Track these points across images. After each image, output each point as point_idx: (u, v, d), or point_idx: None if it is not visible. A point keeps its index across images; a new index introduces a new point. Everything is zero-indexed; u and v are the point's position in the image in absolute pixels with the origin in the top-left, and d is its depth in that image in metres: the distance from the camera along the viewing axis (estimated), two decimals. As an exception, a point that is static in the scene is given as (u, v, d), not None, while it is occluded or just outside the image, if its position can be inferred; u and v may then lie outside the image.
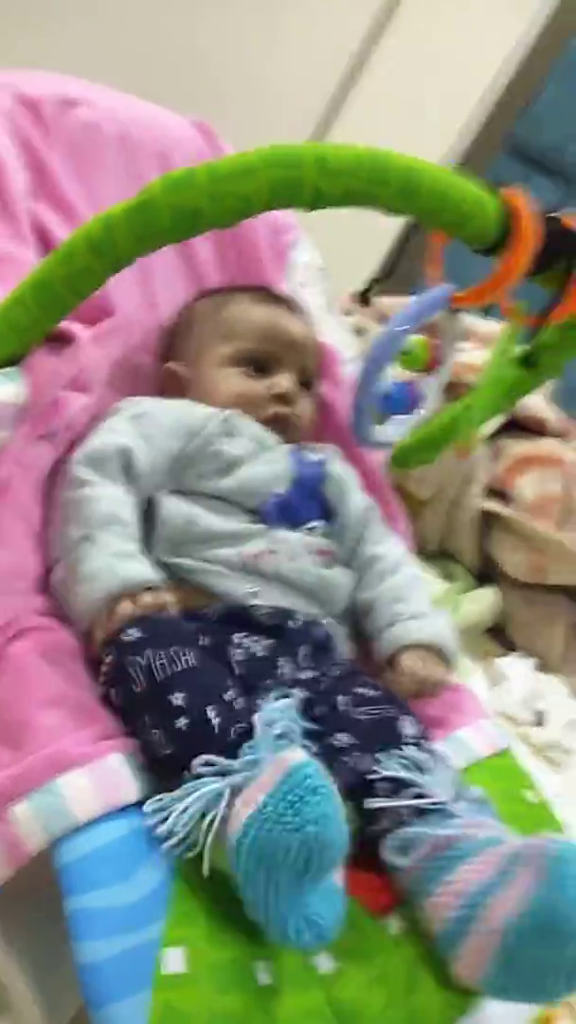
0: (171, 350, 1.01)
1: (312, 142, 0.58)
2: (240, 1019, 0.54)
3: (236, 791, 0.57)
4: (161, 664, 0.63)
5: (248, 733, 0.61)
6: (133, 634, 0.66)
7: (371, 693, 0.78)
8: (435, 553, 1.78)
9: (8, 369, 0.66)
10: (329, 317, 1.17)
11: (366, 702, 0.76)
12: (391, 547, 0.97)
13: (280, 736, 0.62)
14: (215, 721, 0.61)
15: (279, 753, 0.57)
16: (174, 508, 0.82)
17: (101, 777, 0.60)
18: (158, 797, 0.60)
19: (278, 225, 1.18)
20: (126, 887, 0.56)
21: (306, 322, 1.02)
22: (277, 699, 0.66)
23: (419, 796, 0.66)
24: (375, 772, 0.68)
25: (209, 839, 0.57)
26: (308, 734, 0.69)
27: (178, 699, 0.62)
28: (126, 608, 0.70)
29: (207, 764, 0.60)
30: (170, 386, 0.98)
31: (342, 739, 0.71)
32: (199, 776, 0.59)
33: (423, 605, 0.92)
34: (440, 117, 2.21)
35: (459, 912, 0.60)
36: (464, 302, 0.69)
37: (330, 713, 0.75)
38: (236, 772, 0.58)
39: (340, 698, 0.76)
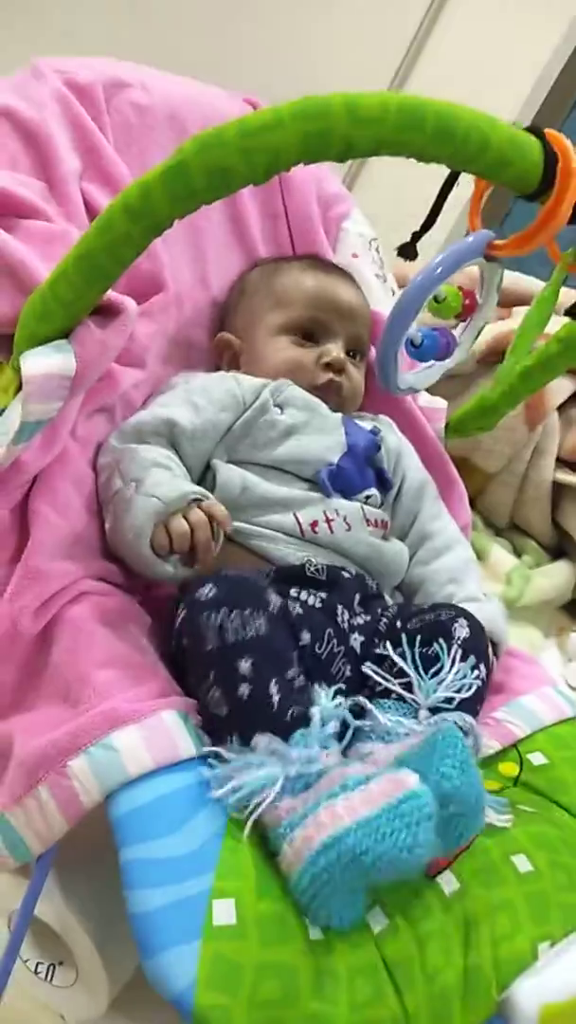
0: (224, 322, 1.02)
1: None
2: (290, 972, 0.54)
3: (289, 780, 0.59)
4: (234, 627, 0.64)
5: (302, 718, 0.62)
6: (207, 591, 0.66)
7: (427, 605, 0.79)
8: (505, 528, 1.74)
9: (58, 341, 0.68)
10: (382, 287, 1.15)
11: (422, 613, 0.77)
12: (446, 524, 0.96)
13: (332, 735, 0.63)
14: (275, 698, 0.62)
15: (393, 772, 0.58)
16: (232, 472, 0.83)
17: (154, 733, 0.61)
18: (214, 759, 0.62)
19: (330, 197, 1.17)
20: (177, 839, 0.57)
21: (358, 290, 1.01)
22: (333, 696, 0.66)
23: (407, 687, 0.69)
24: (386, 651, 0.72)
25: (252, 818, 0.59)
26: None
27: (245, 666, 0.63)
28: (179, 527, 0.72)
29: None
30: (223, 357, 0.98)
31: (391, 648, 0.73)
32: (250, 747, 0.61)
33: (476, 589, 0.91)
34: (496, 103, 2.15)
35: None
36: (505, 250, 0.67)
37: (385, 638, 0.76)
38: (291, 762, 0.60)
39: (396, 623, 0.77)
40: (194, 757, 0.62)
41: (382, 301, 1.12)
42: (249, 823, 0.58)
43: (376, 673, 0.71)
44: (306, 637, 0.73)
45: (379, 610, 0.79)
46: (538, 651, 1.52)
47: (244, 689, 0.62)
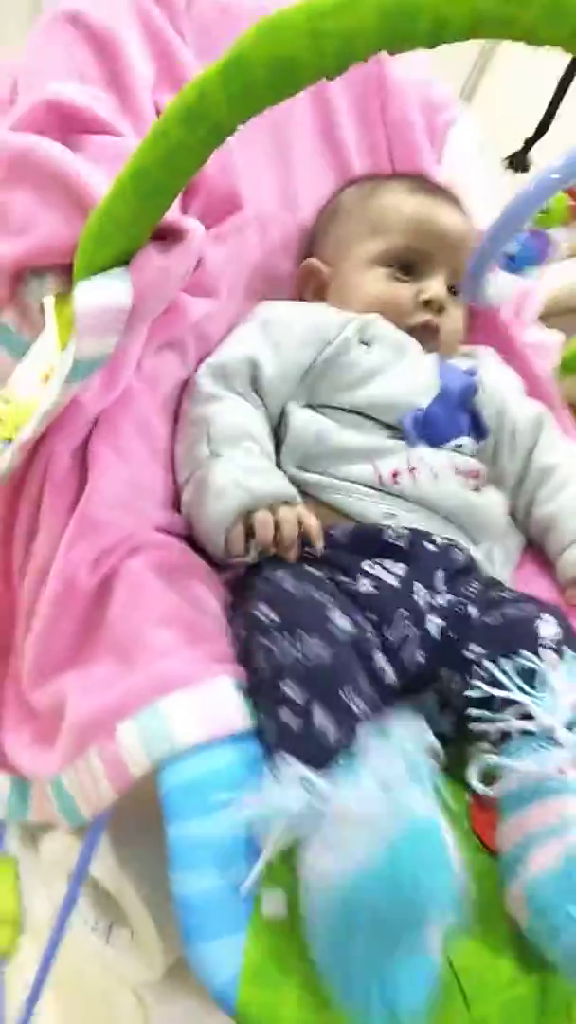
0: (313, 247, 0.93)
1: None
2: (344, 975, 0.49)
3: (315, 811, 0.49)
4: (286, 651, 0.56)
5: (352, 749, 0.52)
6: (265, 614, 0.59)
7: (508, 595, 0.70)
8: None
9: (114, 270, 0.62)
10: (488, 201, 1.03)
11: (501, 603, 0.68)
12: (568, 454, 0.86)
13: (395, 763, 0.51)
14: (321, 726, 0.53)
15: (402, 798, 0.48)
16: (307, 419, 0.76)
17: (208, 701, 0.57)
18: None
19: (435, 103, 1.05)
20: (225, 821, 0.53)
21: (465, 216, 0.90)
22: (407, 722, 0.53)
23: (525, 716, 0.57)
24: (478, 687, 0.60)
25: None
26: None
27: (294, 693, 0.55)
28: (265, 520, 0.66)
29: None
30: (309, 286, 0.90)
31: (474, 650, 0.64)
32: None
33: None
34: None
35: (511, 852, 0.53)
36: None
37: (465, 629, 0.67)
38: (321, 792, 0.49)
39: (473, 610, 0.68)
40: (251, 729, 0.57)
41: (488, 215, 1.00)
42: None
43: (485, 719, 0.59)
44: (376, 620, 0.65)
45: (464, 588, 0.70)
46: None
47: (288, 718, 0.54)
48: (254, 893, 0.50)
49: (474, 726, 0.59)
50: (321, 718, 0.54)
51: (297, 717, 0.54)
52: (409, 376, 0.79)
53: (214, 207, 0.82)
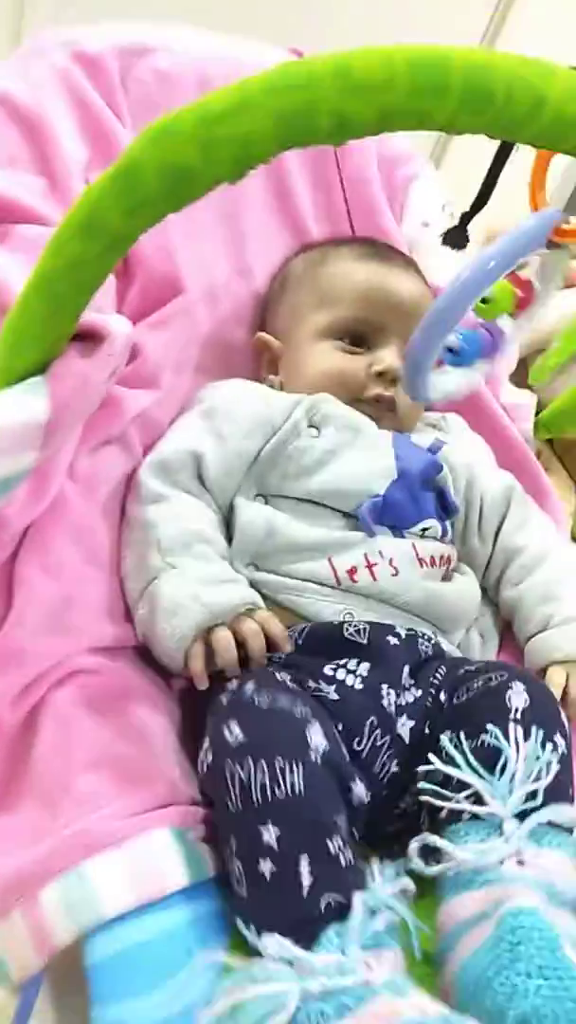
0: (265, 320, 0.89)
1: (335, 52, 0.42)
2: None
3: (308, 998, 0.43)
4: (261, 783, 0.50)
5: (340, 911, 0.47)
6: (234, 733, 0.52)
7: (475, 666, 0.64)
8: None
9: (30, 381, 0.57)
10: (458, 260, 0.98)
11: (468, 679, 0.62)
12: (535, 532, 0.81)
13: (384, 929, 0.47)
14: (306, 882, 0.47)
15: (385, 999, 0.42)
16: (253, 514, 0.71)
17: (139, 861, 0.51)
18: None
19: (394, 157, 1.01)
20: (157, 999, 0.47)
21: (420, 281, 0.86)
22: (389, 871, 0.50)
23: (479, 799, 0.53)
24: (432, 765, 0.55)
25: None
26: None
27: (270, 835, 0.48)
28: (226, 641, 0.61)
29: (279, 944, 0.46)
30: (263, 360, 0.86)
31: (444, 737, 0.58)
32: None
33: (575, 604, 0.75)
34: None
35: (442, 942, 0.50)
36: (569, 238, 0.51)
37: (435, 719, 0.62)
38: (313, 974, 0.44)
39: (443, 696, 0.63)
40: (186, 888, 0.51)
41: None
42: None
43: (436, 794, 0.55)
44: (344, 731, 0.60)
45: (431, 676, 0.65)
46: None
47: (266, 867, 0.48)
48: None
49: (425, 799, 0.55)
50: (307, 872, 0.48)
51: (278, 869, 0.48)
52: (364, 459, 0.73)
53: (154, 291, 0.78)
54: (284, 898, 0.47)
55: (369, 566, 0.70)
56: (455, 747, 0.55)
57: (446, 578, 0.75)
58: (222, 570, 0.67)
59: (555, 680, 0.71)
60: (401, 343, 0.80)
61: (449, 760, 0.55)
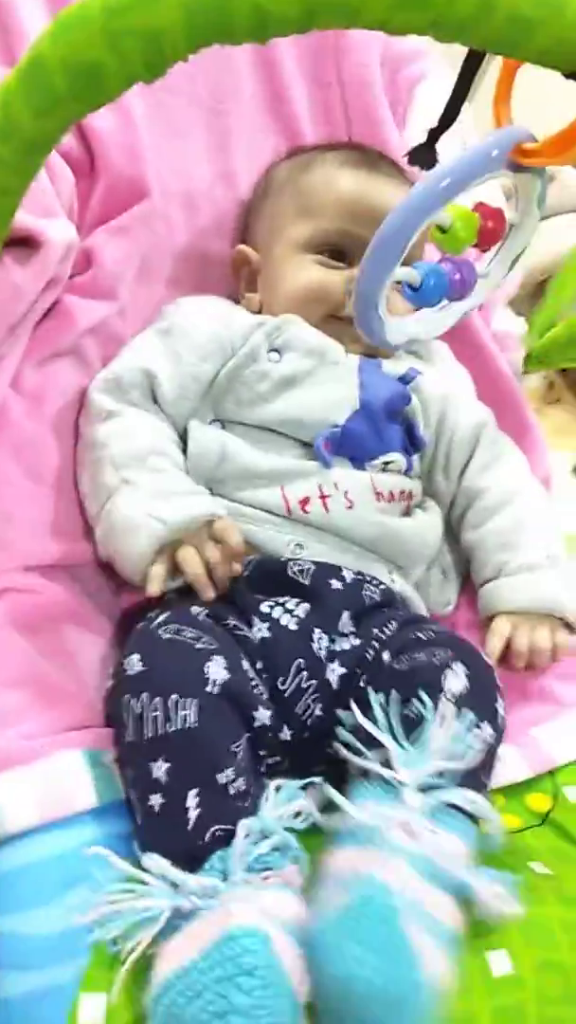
0: (246, 230, 0.84)
1: None
2: None
3: (180, 916, 0.46)
4: (154, 716, 0.51)
5: (228, 838, 0.49)
6: (135, 664, 0.54)
7: (425, 635, 0.63)
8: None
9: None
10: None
11: (415, 647, 0.61)
12: (502, 474, 0.78)
13: (272, 852, 0.49)
14: (191, 813, 0.49)
15: (227, 901, 0.45)
16: (207, 439, 0.69)
17: (47, 780, 0.52)
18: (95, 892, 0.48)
19: (400, 56, 0.93)
20: (51, 913, 0.49)
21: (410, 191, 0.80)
22: (288, 791, 0.52)
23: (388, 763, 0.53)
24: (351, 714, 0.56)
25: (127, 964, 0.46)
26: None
27: (160, 770, 0.50)
28: (191, 559, 0.61)
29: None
30: (242, 275, 0.82)
31: (371, 698, 0.58)
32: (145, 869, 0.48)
33: (535, 553, 0.73)
34: None
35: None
36: (538, 156, 0.46)
37: (373, 675, 0.62)
38: (185, 892, 0.46)
39: (386, 655, 0.62)
40: (94, 808, 0.52)
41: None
42: (124, 968, 0.46)
43: (347, 747, 0.55)
44: (269, 669, 0.60)
45: (377, 629, 0.64)
46: None
47: (156, 800, 0.50)
48: (71, 996, 0.47)
49: (336, 749, 0.56)
50: (194, 805, 0.49)
51: (167, 802, 0.50)
52: (325, 388, 0.70)
53: (118, 195, 0.74)
54: (172, 830, 0.49)
55: (322, 497, 0.68)
56: (380, 707, 0.54)
57: (406, 514, 0.73)
58: (178, 481, 0.65)
59: (499, 630, 0.70)
60: None
61: (371, 717, 0.54)
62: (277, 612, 0.63)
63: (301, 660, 0.61)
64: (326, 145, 0.84)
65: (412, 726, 0.54)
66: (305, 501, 0.67)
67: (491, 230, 0.51)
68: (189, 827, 0.48)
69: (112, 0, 0.39)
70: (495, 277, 0.56)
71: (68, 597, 0.64)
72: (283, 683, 0.61)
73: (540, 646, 0.70)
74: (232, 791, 0.50)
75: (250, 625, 0.62)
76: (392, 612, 0.68)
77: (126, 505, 0.63)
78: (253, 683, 0.59)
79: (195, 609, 0.61)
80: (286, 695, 0.60)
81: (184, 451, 0.70)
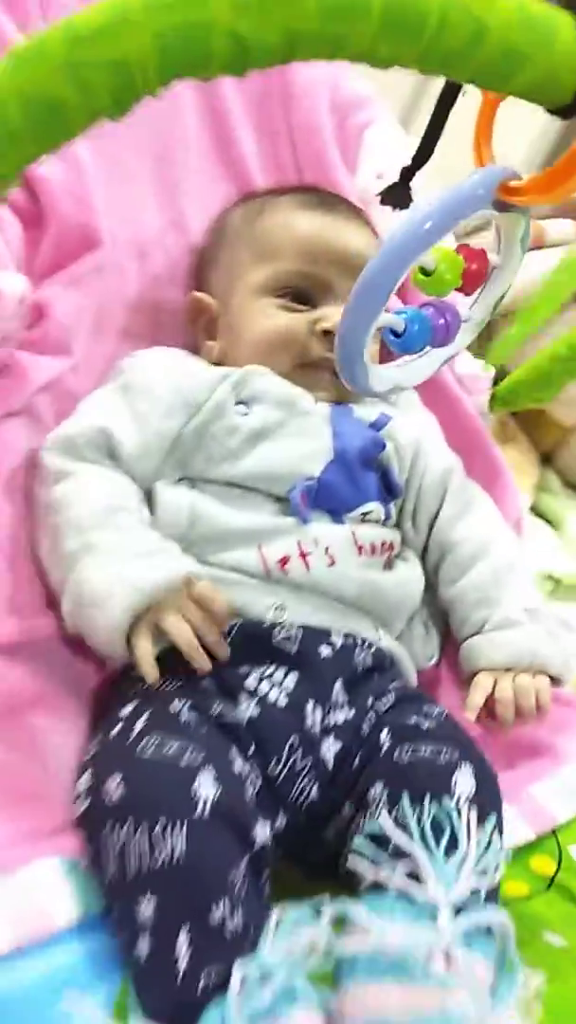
0: (201, 278, 0.81)
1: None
2: None
3: None
4: (139, 851, 0.45)
5: (225, 982, 0.41)
6: (113, 789, 0.48)
7: (427, 724, 0.59)
8: (589, 488, 1.50)
9: None
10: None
11: (417, 737, 0.57)
12: (474, 525, 0.75)
13: (279, 997, 0.41)
14: (183, 960, 0.42)
15: None
16: (174, 500, 0.64)
17: (22, 896, 0.46)
18: None
19: (348, 102, 0.92)
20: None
21: (368, 232, 0.78)
22: (294, 918, 0.44)
23: (412, 875, 0.47)
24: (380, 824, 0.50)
25: None
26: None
27: (147, 910, 0.44)
28: (172, 624, 0.56)
29: None
30: (199, 324, 0.78)
31: (376, 790, 0.54)
32: None
33: (514, 607, 0.71)
34: None
35: None
36: (525, 194, 0.44)
37: (370, 756, 0.58)
38: None
39: (384, 735, 0.58)
40: (75, 925, 0.46)
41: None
42: None
43: (368, 857, 0.49)
44: (260, 753, 0.56)
45: (371, 697, 0.61)
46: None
47: (143, 947, 0.43)
48: None
49: (351, 862, 0.50)
50: (185, 950, 0.43)
51: (154, 950, 0.43)
52: (298, 439, 0.67)
53: (69, 244, 0.70)
54: (162, 982, 0.42)
55: (302, 555, 0.64)
56: (409, 812, 0.50)
57: (388, 566, 0.70)
58: (147, 539, 0.60)
59: (481, 684, 0.67)
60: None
61: (397, 822, 0.49)
62: (264, 687, 0.58)
63: (294, 737, 0.57)
64: (279, 189, 0.82)
65: (433, 830, 0.49)
66: (284, 560, 0.63)
67: (475, 272, 0.49)
68: (180, 978, 0.42)
69: (76, 29, 0.35)
70: (477, 321, 0.54)
71: (33, 680, 0.58)
72: (276, 765, 0.56)
73: (525, 702, 0.67)
74: (228, 928, 0.44)
75: (236, 702, 0.58)
76: (386, 679, 0.64)
77: (93, 572, 0.57)
78: (249, 786, 0.53)
79: (175, 706, 0.55)
80: (280, 779, 0.56)
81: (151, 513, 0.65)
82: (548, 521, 1.37)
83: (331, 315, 0.71)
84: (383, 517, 0.70)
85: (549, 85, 0.40)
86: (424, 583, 0.72)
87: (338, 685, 0.60)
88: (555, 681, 0.70)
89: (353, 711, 0.59)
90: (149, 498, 0.65)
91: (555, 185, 0.42)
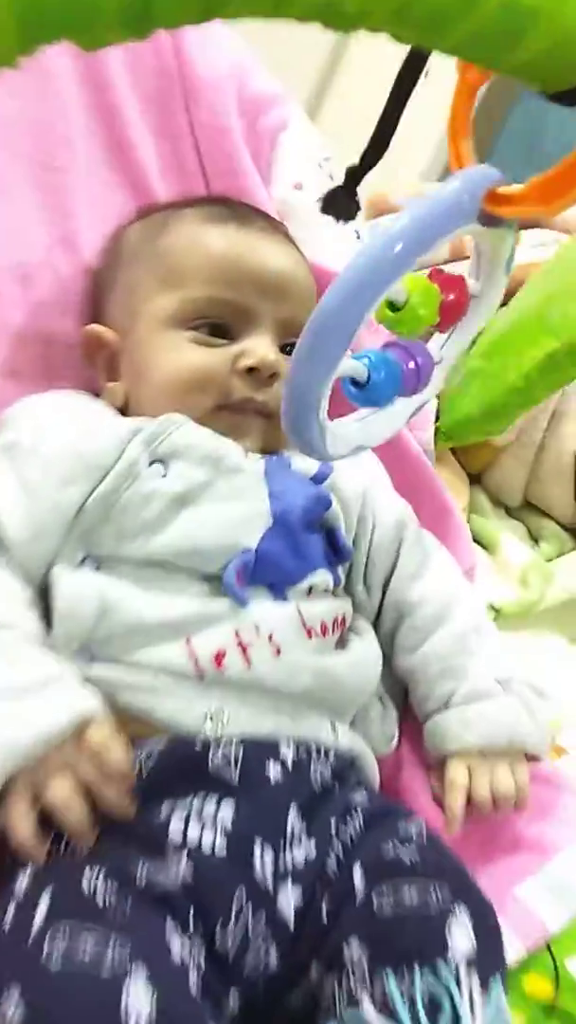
0: (97, 307, 0.68)
1: None
2: None
3: None
4: None
5: None
6: (11, 1014, 0.36)
7: (407, 854, 0.48)
8: (518, 507, 1.45)
9: None
10: (341, 232, 0.81)
11: (397, 874, 0.46)
12: (432, 583, 0.66)
13: None
14: None
15: None
16: (79, 588, 0.51)
17: None
18: None
19: (258, 100, 0.81)
20: None
21: (292, 249, 0.67)
22: None
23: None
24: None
25: None
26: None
27: None
28: (56, 798, 0.43)
29: None
30: (98, 362, 0.66)
31: (352, 949, 0.44)
32: None
33: (482, 675, 0.62)
34: None
35: None
36: (519, 203, 0.34)
37: (342, 902, 0.46)
38: None
39: (357, 875, 0.47)
40: None
41: (343, 255, 0.78)
42: None
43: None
44: (201, 920, 0.43)
45: (334, 822, 0.49)
46: (564, 661, 1.24)
47: None
48: None
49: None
50: None
51: None
52: (229, 504, 0.55)
53: None
54: None
55: (241, 647, 0.52)
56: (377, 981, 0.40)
57: (341, 644, 0.59)
58: (30, 667, 0.47)
59: (457, 781, 0.58)
60: (274, 330, 0.61)
61: (384, 1006, 0.39)
62: (194, 833, 0.46)
63: (240, 891, 0.45)
64: (184, 201, 0.70)
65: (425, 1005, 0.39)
66: (220, 656, 0.51)
67: (453, 304, 0.38)
68: None
69: None
70: (450, 361, 0.43)
71: None
72: (222, 933, 0.44)
73: (504, 791, 0.59)
74: None
75: (164, 858, 0.45)
76: (348, 791, 0.53)
77: None
78: (192, 972, 0.42)
79: (87, 878, 0.42)
80: (229, 953, 0.44)
81: (46, 609, 0.52)
82: (482, 545, 1.31)
83: (254, 349, 0.60)
84: (331, 584, 0.59)
85: (559, 58, 0.30)
86: (381, 658, 0.62)
87: (292, 813, 0.48)
88: (532, 758, 0.61)
89: (314, 844, 0.48)
90: (45, 589, 0.52)
91: (563, 191, 0.32)
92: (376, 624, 0.65)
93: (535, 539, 1.42)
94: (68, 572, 0.52)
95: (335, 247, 0.78)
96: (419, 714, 0.64)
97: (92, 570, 0.53)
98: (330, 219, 0.78)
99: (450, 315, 0.39)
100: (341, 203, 0.41)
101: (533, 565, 1.32)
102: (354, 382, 0.38)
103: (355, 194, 0.41)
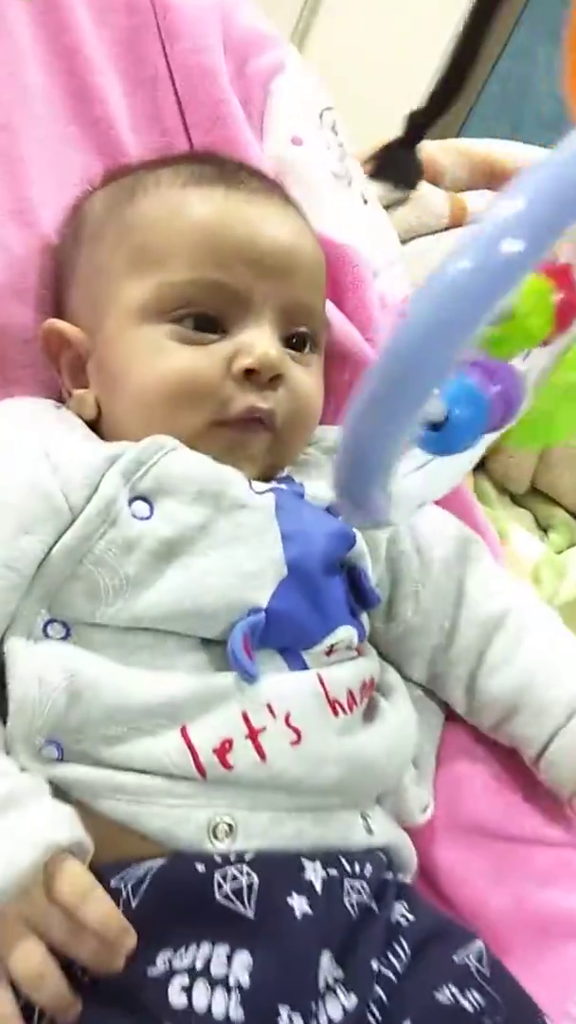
0: (59, 296, 0.56)
1: None
2: None
3: None
4: None
5: None
6: None
7: (470, 1003, 0.39)
8: (524, 494, 1.37)
9: None
10: (347, 194, 0.69)
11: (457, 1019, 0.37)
12: (511, 589, 0.56)
13: None
14: None
15: None
16: (43, 666, 0.40)
17: None
18: None
19: (248, 41, 0.68)
20: None
21: (295, 217, 0.55)
22: None
23: None
24: None
25: None
26: None
27: None
28: (24, 968, 0.34)
29: None
30: (62, 363, 0.53)
31: None
32: None
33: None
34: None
35: None
36: None
37: None
38: None
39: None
40: None
41: (350, 225, 0.66)
42: None
43: None
44: None
45: (373, 966, 0.39)
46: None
47: None
48: None
49: None
50: None
51: None
52: (234, 551, 0.44)
53: None
54: None
55: (252, 735, 0.41)
56: None
57: (369, 716, 0.48)
58: None
59: None
60: (277, 316, 0.49)
61: None
62: (202, 997, 0.35)
63: None
64: (160, 160, 0.57)
65: None
66: (225, 748, 0.40)
67: (564, 305, 0.27)
68: None
69: None
70: (535, 375, 0.32)
71: None
72: None
73: None
74: None
75: None
76: (389, 914, 0.43)
77: None
78: None
79: None
80: None
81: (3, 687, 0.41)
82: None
83: (252, 344, 0.48)
84: (356, 640, 0.48)
85: None
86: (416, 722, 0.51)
87: (325, 962, 0.38)
88: None
89: (353, 995, 0.38)
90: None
91: None
92: (445, 655, 0.55)
93: (543, 528, 1.35)
94: (27, 645, 0.41)
95: (341, 215, 0.66)
96: (532, 743, 0.52)
97: (58, 640, 0.42)
98: (333, 180, 0.66)
99: (562, 321, 0.27)
100: (401, 163, 0.29)
101: (546, 560, 1.25)
102: (432, 427, 0.26)
103: (416, 153, 0.29)
